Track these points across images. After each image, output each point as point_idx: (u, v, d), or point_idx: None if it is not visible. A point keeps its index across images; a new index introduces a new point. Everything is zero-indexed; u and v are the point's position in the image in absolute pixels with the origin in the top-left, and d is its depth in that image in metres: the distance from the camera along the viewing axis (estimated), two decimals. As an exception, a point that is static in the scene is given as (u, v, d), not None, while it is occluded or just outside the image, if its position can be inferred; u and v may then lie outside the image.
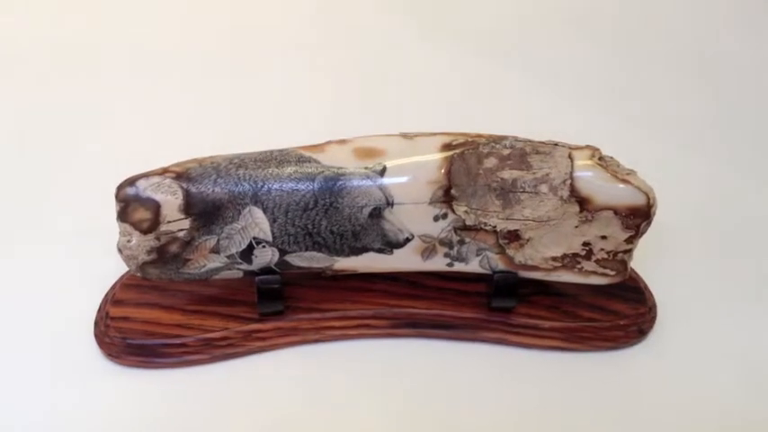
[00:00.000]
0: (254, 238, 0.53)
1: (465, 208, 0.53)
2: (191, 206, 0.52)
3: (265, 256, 0.54)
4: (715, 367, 0.58)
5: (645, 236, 0.55)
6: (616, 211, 0.53)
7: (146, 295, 0.58)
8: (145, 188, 0.51)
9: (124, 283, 0.59)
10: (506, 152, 0.53)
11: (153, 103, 0.86)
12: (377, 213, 0.53)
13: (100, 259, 0.61)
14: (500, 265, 0.55)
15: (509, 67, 0.95)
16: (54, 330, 0.58)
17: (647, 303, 0.60)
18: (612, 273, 0.56)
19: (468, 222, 0.53)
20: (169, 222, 0.52)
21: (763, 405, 0.55)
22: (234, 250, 0.53)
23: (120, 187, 0.52)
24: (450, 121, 0.76)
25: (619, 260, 0.55)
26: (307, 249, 0.54)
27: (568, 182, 0.52)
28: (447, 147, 0.53)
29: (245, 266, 0.54)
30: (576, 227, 0.53)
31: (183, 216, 0.52)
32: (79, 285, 0.61)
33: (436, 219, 0.53)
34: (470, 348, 0.58)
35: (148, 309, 0.57)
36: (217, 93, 0.89)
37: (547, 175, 0.52)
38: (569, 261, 0.55)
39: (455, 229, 0.53)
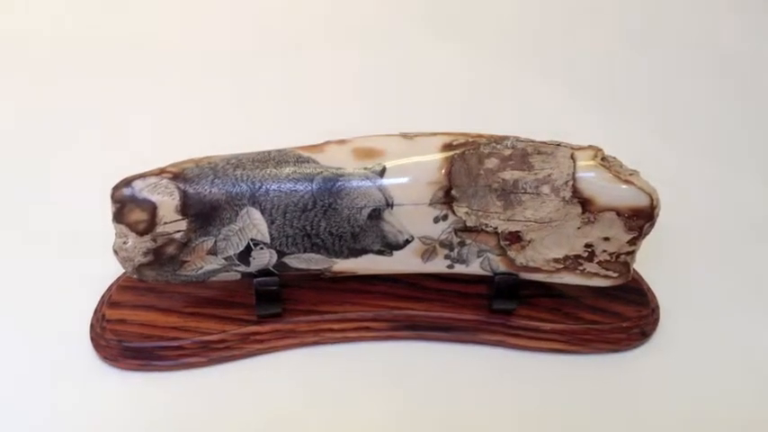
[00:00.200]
0: (252, 240, 0.52)
1: (466, 209, 0.52)
2: (187, 207, 0.51)
3: (263, 258, 0.53)
4: (718, 370, 0.57)
5: (647, 237, 0.54)
6: (619, 213, 0.52)
7: (142, 297, 0.58)
8: (141, 189, 0.51)
9: (120, 285, 0.59)
10: (508, 152, 0.52)
11: (150, 102, 0.86)
12: (376, 215, 0.52)
13: (96, 261, 0.60)
14: (501, 266, 0.55)
15: (510, 67, 0.95)
16: (49, 333, 0.58)
17: (650, 305, 0.60)
18: (615, 275, 0.55)
19: (469, 224, 0.53)
20: (166, 224, 0.51)
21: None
22: (231, 252, 0.53)
23: (116, 188, 0.51)
24: (450, 120, 0.76)
25: (621, 262, 0.55)
26: (305, 251, 0.53)
27: (570, 183, 0.52)
28: (447, 147, 0.52)
29: (242, 268, 0.54)
30: (579, 228, 0.53)
31: (179, 217, 0.51)
32: (75, 287, 0.60)
33: (436, 220, 0.53)
34: (471, 351, 0.58)
35: (145, 311, 0.57)
36: (214, 92, 0.88)
37: (549, 175, 0.52)
38: (571, 263, 0.55)
39: (456, 231, 0.53)
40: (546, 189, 0.52)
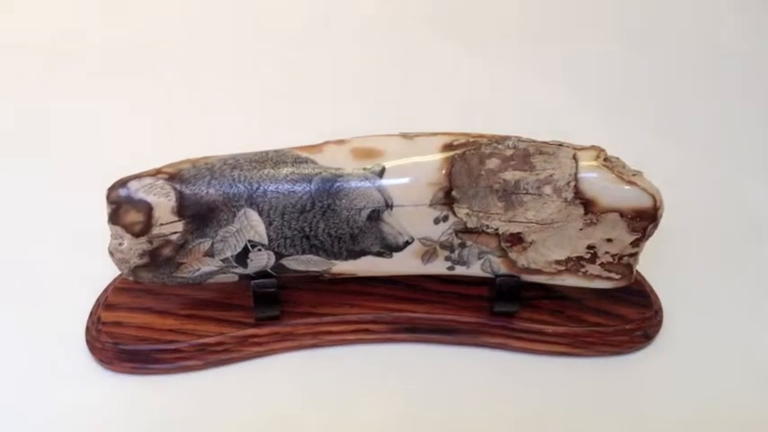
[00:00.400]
0: (250, 241, 0.52)
1: (466, 210, 0.52)
2: (184, 208, 0.51)
3: (261, 260, 0.53)
4: (722, 372, 0.57)
5: (650, 238, 0.54)
6: (622, 214, 0.52)
7: (139, 299, 0.57)
8: (137, 190, 0.50)
9: (117, 287, 0.58)
10: (509, 153, 0.52)
11: (146, 102, 0.85)
12: (376, 216, 0.52)
13: (92, 262, 0.59)
14: (502, 268, 0.54)
15: (512, 66, 0.94)
16: (45, 335, 0.57)
17: (653, 307, 0.59)
18: (618, 277, 0.55)
19: (470, 225, 0.52)
20: (162, 225, 0.51)
21: (772, 411, 0.55)
22: (229, 254, 0.52)
23: (112, 189, 0.51)
24: (451, 120, 0.76)
25: (624, 264, 0.54)
26: (304, 253, 0.53)
27: (573, 183, 0.51)
28: (448, 147, 0.52)
29: (240, 270, 0.53)
30: (581, 229, 0.53)
31: (176, 218, 0.51)
32: (70, 289, 0.60)
33: (437, 221, 0.52)
34: (472, 353, 0.57)
35: (141, 313, 0.56)
36: (211, 92, 0.88)
37: (550, 176, 0.51)
38: (573, 264, 0.54)
39: (456, 232, 0.53)
40: (548, 190, 0.51)
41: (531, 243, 0.53)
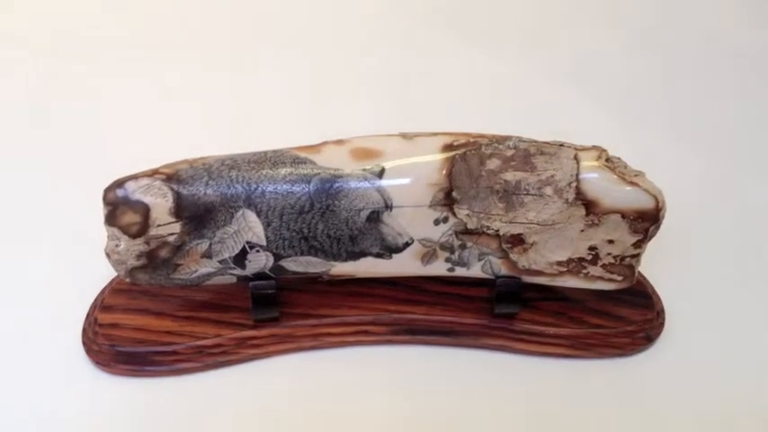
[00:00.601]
0: (248, 243, 0.51)
1: (467, 211, 0.51)
2: (181, 209, 0.50)
3: (259, 261, 0.52)
4: (725, 375, 0.57)
5: (652, 239, 0.54)
6: (624, 215, 0.51)
7: (136, 301, 0.57)
8: (134, 190, 0.50)
9: (114, 288, 0.58)
10: (510, 153, 0.51)
11: (143, 102, 0.85)
12: (375, 217, 0.51)
13: (89, 263, 0.59)
14: (503, 269, 0.54)
15: (512, 65, 0.94)
16: (40, 337, 0.57)
17: (655, 309, 0.59)
18: (619, 278, 0.54)
19: (470, 226, 0.52)
20: (159, 226, 0.50)
21: (776, 413, 0.54)
22: (227, 255, 0.52)
23: (108, 189, 0.50)
24: (451, 120, 0.76)
25: (626, 265, 0.54)
26: (302, 254, 0.52)
27: (574, 184, 0.51)
28: (448, 147, 0.52)
29: (238, 272, 0.53)
30: (582, 231, 0.52)
31: (173, 219, 0.50)
32: (67, 290, 0.60)
33: (437, 222, 0.52)
34: (472, 355, 0.57)
35: (138, 315, 0.56)
36: (208, 91, 0.87)
37: (552, 176, 0.51)
38: (575, 266, 0.54)
39: (456, 233, 0.52)
40: (549, 190, 0.51)
41: (532, 244, 0.53)
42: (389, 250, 0.53)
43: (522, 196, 0.51)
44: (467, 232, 0.52)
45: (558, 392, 0.55)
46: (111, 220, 0.50)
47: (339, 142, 0.53)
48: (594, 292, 0.56)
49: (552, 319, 0.57)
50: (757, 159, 0.80)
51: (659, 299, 0.60)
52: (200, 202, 0.50)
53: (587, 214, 0.51)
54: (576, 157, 0.51)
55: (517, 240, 0.52)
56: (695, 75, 0.93)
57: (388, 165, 0.51)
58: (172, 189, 0.50)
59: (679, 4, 1.06)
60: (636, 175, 0.51)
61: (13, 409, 0.52)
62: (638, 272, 0.56)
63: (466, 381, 0.55)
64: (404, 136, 0.53)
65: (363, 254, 0.53)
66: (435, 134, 0.53)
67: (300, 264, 0.53)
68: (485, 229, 0.52)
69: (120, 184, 0.50)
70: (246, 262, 0.52)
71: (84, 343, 0.55)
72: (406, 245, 0.52)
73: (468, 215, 0.51)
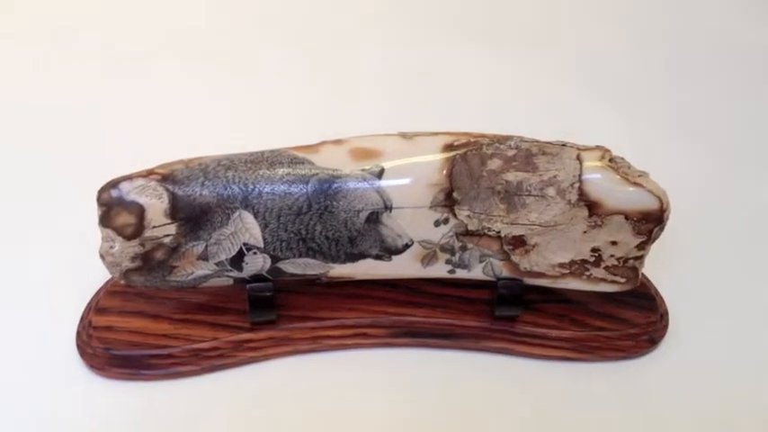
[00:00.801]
0: (245, 244, 0.51)
1: (467, 212, 0.51)
2: (177, 210, 0.50)
3: (256, 263, 0.52)
4: (729, 378, 0.56)
5: (656, 240, 0.53)
6: (627, 216, 0.51)
7: (131, 303, 0.56)
8: (128, 191, 0.49)
9: (108, 290, 0.57)
10: (511, 153, 0.51)
11: (139, 101, 0.84)
12: (374, 218, 0.51)
13: (83, 264, 0.58)
14: (504, 271, 0.54)
15: (514, 63, 0.94)
16: (33, 341, 0.56)
17: (659, 311, 0.59)
18: (623, 280, 0.54)
19: (471, 227, 0.51)
20: (154, 227, 0.50)
21: (781, 417, 0.54)
22: (223, 257, 0.51)
23: (102, 190, 0.50)
24: (451, 119, 0.76)
25: (629, 267, 0.53)
26: (300, 256, 0.52)
27: (577, 185, 0.50)
28: (448, 147, 0.51)
29: (235, 274, 0.52)
30: (585, 232, 0.52)
31: (168, 221, 0.50)
32: (61, 292, 0.59)
33: (437, 223, 0.51)
34: (473, 358, 0.57)
35: (134, 317, 0.56)
36: (205, 90, 0.87)
37: (554, 177, 0.51)
38: (577, 268, 0.53)
39: (457, 235, 0.52)
40: (551, 191, 0.51)
41: (533, 246, 0.52)
42: (389, 252, 0.52)
43: (524, 197, 0.51)
44: (467, 234, 0.52)
45: (561, 396, 0.55)
46: (105, 221, 0.49)
47: (337, 142, 0.52)
48: (597, 294, 0.56)
49: (554, 321, 0.57)
50: (763, 160, 0.79)
51: (663, 301, 0.59)
52: (195, 203, 0.50)
53: (590, 215, 0.51)
54: (578, 158, 0.51)
55: (519, 242, 0.52)
56: (700, 74, 0.93)
57: (387, 165, 0.51)
58: (167, 190, 0.49)
59: (685, 4, 1.05)
60: (640, 176, 0.51)
61: (4, 414, 0.52)
62: (642, 273, 0.56)
63: (467, 384, 0.55)
64: (403, 135, 0.52)
65: (362, 255, 0.52)
66: (436, 134, 0.52)
67: (298, 266, 0.52)
68: (486, 231, 0.51)
69: (114, 184, 0.50)
70: (243, 264, 0.52)
71: (78, 346, 0.55)
72: (406, 246, 0.52)
73: (468, 216, 0.51)
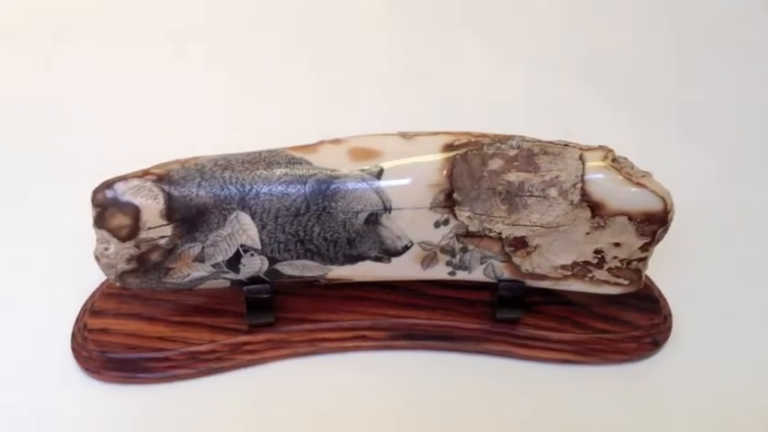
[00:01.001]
0: (242, 246, 0.50)
1: (468, 213, 0.51)
2: (173, 211, 0.49)
3: (254, 265, 0.51)
4: (734, 380, 0.56)
5: (660, 241, 0.53)
6: (630, 217, 0.50)
7: (127, 305, 0.56)
8: (123, 192, 0.49)
9: (104, 292, 0.57)
10: (513, 153, 0.51)
11: (134, 100, 0.84)
12: (373, 219, 0.50)
13: (78, 266, 0.58)
14: (506, 273, 0.53)
15: (515, 62, 0.93)
16: (28, 343, 0.56)
17: (662, 313, 0.58)
18: (626, 282, 0.54)
19: (472, 229, 0.51)
20: (150, 229, 0.49)
21: (787, 419, 0.54)
22: (220, 259, 0.51)
23: (97, 191, 0.49)
24: (452, 119, 0.75)
25: (633, 269, 0.53)
26: (298, 257, 0.51)
27: (579, 185, 0.50)
28: (449, 147, 0.51)
29: (232, 275, 0.52)
30: (588, 233, 0.51)
31: (164, 222, 0.49)
32: (56, 294, 0.59)
33: (437, 225, 0.51)
34: (474, 361, 0.56)
35: (130, 320, 0.55)
36: (202, 89, 0.86)
37: (556, 177, 0.50)
38: (580, 270, 0.53)
39: (457, 236, 0.51)
40: (553, 192, 0.50)
41: (535, 247, 0.52)
42: (388, 254, 0.52)
43: (526, 198, 0.50)
44: (468, 235, 0.51)
45: (563, 399, 0.54)
46: (100, 222, 0.49)
47: (336, 142, 0.52)
48: (600, 296, 0.56)
49: (556, 323, 0.57)
50: (767, 161, 0.79)
51: (666, 303, 0.59)
52: (192, 203, 0.49)
53: (593, 216, 0.51)
54: (581, 158, 0.50)
55: (520, 243, 0.52)
56: (703, 74, 0.93)
57: (386, 165, 0.50)
58: (163, 190, 0.49)
59: (688, 3, 1.05)
60: (643, 176, 0.51)
61: (-1, 418, 0.51)
62: (645, 275, 0.55)
63: (467, 387, 0.55)
64: (403, 135, 0.52)
65: (361, 257, 0.52)
66: (436, 133, 0.52)
67: (296, 267, 0.52)
68: (487, 232, 0.51)
69: (109, 185, 0.49)
70: (240, 266, 0.51)
71: (73, 349, 0.54)
72: (406, 248, 0.52)
73: (469, 217, 0.51)
